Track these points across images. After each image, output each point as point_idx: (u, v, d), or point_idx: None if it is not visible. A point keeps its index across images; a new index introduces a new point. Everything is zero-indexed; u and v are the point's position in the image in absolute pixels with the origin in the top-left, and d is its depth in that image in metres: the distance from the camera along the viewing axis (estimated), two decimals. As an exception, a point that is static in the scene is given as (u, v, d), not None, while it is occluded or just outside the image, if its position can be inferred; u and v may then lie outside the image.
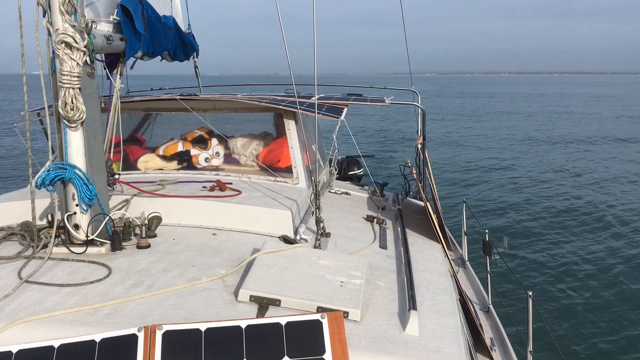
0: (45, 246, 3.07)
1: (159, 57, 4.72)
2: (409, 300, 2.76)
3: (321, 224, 3.56)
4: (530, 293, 3.89)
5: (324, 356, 2.13)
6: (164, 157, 4.79)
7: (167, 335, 2.12)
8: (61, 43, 2.83)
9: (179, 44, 4.86)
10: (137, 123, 5.45)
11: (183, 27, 5.19)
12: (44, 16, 2.95)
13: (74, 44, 2.84)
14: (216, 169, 4.70)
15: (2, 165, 19.92)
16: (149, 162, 4.73)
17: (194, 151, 4.80)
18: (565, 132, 30.36)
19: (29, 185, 3.34)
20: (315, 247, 3.41)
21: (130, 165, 4.65)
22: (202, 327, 2.16)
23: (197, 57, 5.71)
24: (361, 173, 7.68)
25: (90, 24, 3.00)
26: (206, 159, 4.76)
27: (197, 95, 5.07)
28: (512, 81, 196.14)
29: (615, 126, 34.60)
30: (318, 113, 4.21)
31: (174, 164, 4.73)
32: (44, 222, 3.39)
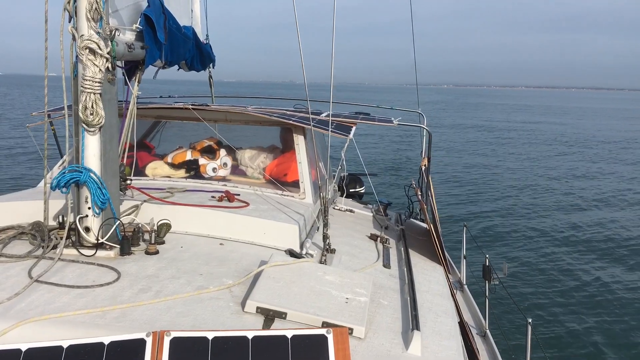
0: (55, 247, 3.11)
1: (175, 67, 4.79)
2: (412, 320, 2.78)
3: (327, 240, 3.59)
4: (530, 320, 3.91)
5: None
6: (172, 165, 4.83)
7: (174, 342, 2.15)
8: (85, 49, 2.90)
9: (196, 54, 4.94)
10: (146, 129, 5.51)
11: (201, 36, 5.27)
12: (69, 21, 3.02)
13: (98, 50, 2.90)
14: (223, 179, 4.74)
15: (5, 165, 19.92)
16: (157, 169, 4.77)
17: (202, 160, 4.84)
18: (572, 158, 30.04)
19: (43, 186, 3.38)
20: (321, 262, 3.44)
21: (138, 171, 4.70)
22: (210, 335, 2.19)
23: (213, 68, 5.78)
24: (362, 191, 7.70)
25: (114, 32, 3.06)
26: (214, 169, 4.80)
27: (208, 105, 5.13)
28: (528, 95, 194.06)
29: (626, 148, 34.27)
30: (327, 130, 4.27)
31: (181, 172, 4.77)
32: (54, 223, 3.43)
